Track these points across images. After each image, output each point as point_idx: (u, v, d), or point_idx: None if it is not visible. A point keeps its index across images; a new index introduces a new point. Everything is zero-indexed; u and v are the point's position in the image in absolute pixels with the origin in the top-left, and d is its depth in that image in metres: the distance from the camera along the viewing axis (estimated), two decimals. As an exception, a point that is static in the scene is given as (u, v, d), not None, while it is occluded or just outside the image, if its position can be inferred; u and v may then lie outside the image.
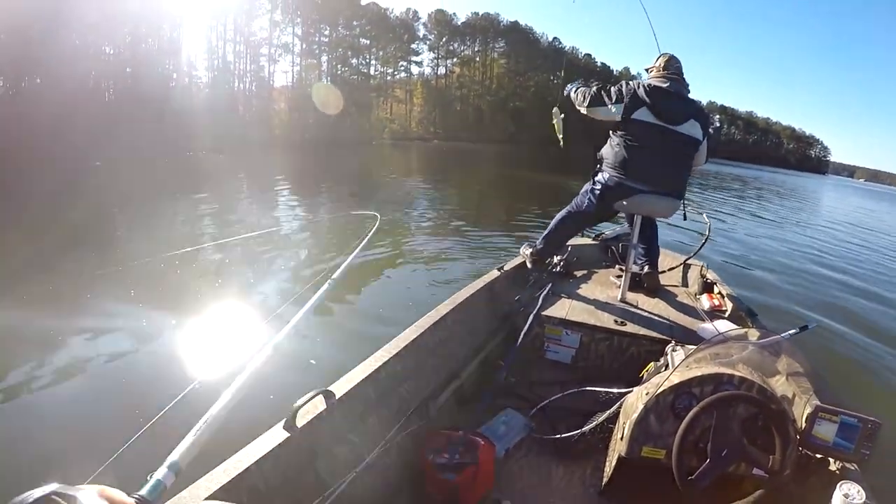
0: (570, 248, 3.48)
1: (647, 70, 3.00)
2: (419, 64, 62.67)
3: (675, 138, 2.75)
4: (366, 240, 1.83)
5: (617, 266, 3.55)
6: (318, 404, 1.47)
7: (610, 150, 2.86)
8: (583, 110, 2.92)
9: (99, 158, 18.42)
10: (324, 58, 47.69)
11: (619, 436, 1.64)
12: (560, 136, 3.30)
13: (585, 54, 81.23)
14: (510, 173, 23.21)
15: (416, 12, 61.27)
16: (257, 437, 1.35)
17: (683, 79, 2.89)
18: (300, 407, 1.39)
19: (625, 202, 2.83)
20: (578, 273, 3.41)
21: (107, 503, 0.31)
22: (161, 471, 0.50)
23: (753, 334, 2.37)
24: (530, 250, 3.21)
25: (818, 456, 1.54)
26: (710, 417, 1.44)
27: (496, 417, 2.03)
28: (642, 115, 2.70)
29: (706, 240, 3.55)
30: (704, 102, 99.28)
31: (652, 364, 2.11)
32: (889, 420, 1.72)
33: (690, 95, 2.91)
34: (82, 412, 2.68)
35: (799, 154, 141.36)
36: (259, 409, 2.42)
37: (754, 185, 31.30)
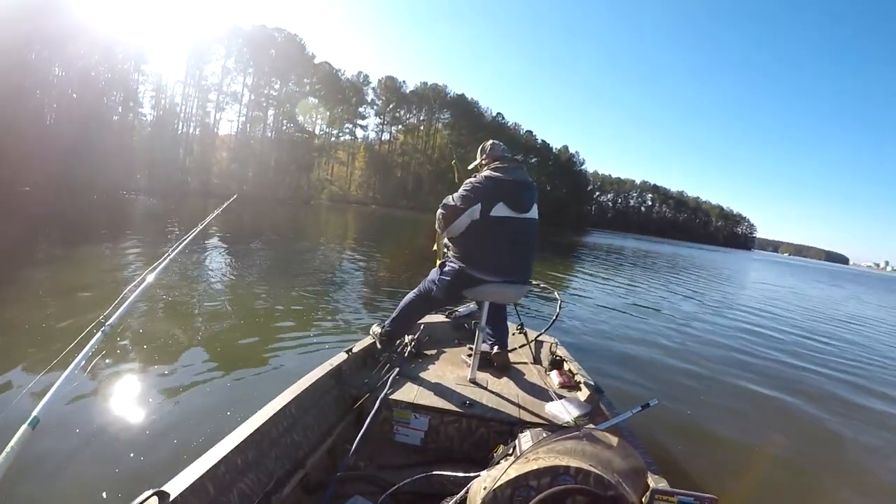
0: (422, 327, 3.57)
1: (479, 165, 3.04)
2: (364, 128, 65.26)
3: (525, 226, 2.86)
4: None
5: (467, 345, 3.58)
6: None
7: (459, 241, 2.89)
8: (445, 237, 2.95)
9: (29, 183, 17.93)
10: (270, 111, 48.86)
11: None
12: (439, 256, 3.22)
13: (527, 131, 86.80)
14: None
15: (366, 76, 64.51)
16: None
17: (520, 161, 3.01)
18: None
19: (472, 290, 2.89)
20: (430, 352, 3.45)
21: None
22: None
23: (597, 412, 2.62)
24: (380, 330, 3.20)
25: None
26: None
27: None
28: (500, 210, 2.75)
29: (556, 317, 3.71)
30: (637, 182, 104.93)
31: (500, 447, 2.17)
32: (726, 491, 1.99)
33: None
34: None
35: (727, 231, 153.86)
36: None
37: (662, 260, 32.21)
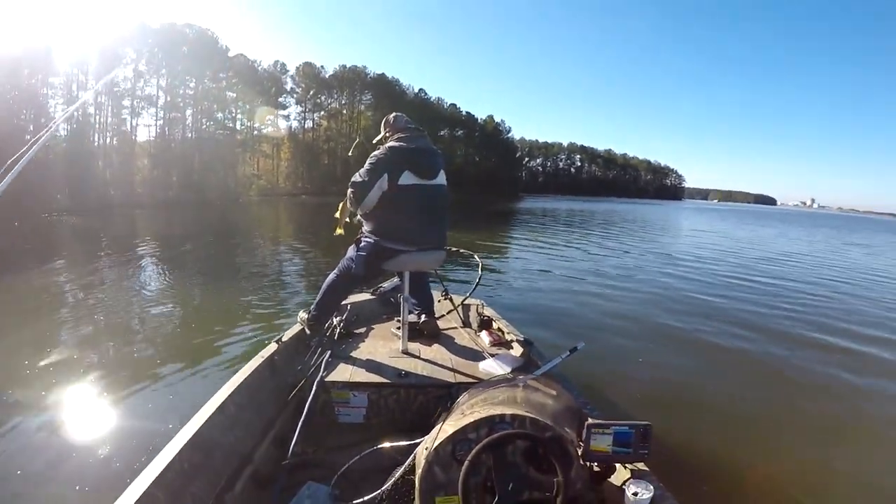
0: (349, 307, 3.61)
1: (384, 137, 3.07)
2: (286, 118, 65.18)
3: (434, 192, 2.92)
4: None
5: (396, 319, 3.56)
6: None
7: (372, 215, 2.93)
8: (360, 212, 2.98)
9: (-61, 219, 17.50)
10: (188, 111, 48.29)
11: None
12: (339, 225, 3.24)
13: (451, 104, 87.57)
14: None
15: (283, 65, 64.00)
16: None
17: (421, 129, 3.05)
18: None
19: (391, 262, 2.92)
20: (359, 330, 3.47)
21: None
22: None
23: (530, 363, 2.76)
24: (307, 315, 3.21)
25: (605, 464, 1.75)
26: (490, 458, 1.58)
27: (299, 494, 1.99)
28: (407, 178, 2.81)
29: (479, 279, 3.75)
30: (565, 144, 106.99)
31: (442, 411, 2.19)
32: (660, 419, 2.13)
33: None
34: None
35: (656, 184, 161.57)
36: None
37: (595, 218, 33.50)
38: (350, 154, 3.50)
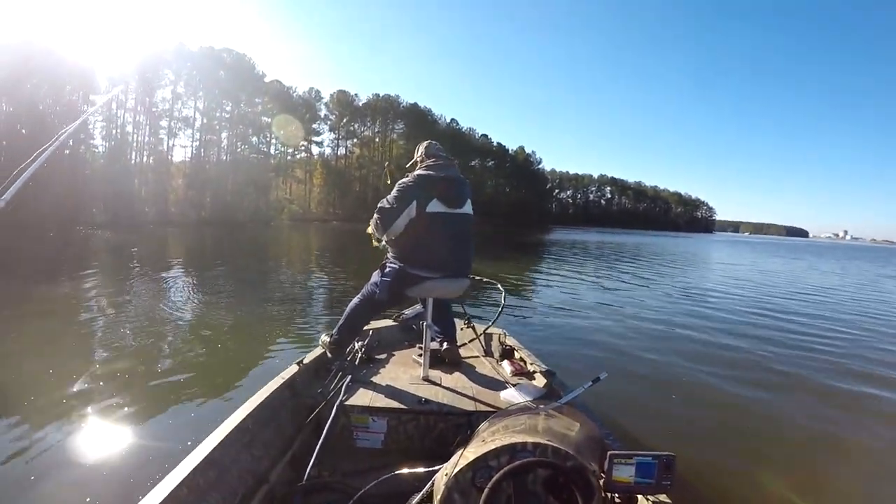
0: (370, 333, 3.66)
1: (415, 163, 3.12)
2: (319, 144, 66.16)
3: (460, 220, 2.97)
4: None
5: (417, 346, 3.57)
6: None
7: (398, 241, 2.98)
8: (385, 238, 3.02)
9: (-21, 226, 17.95)
10: (224, 134, 49.06)
11: None
12: (373, 238, 3.19)
13: (482, 135, 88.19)
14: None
15: (318, 92, 65.44)
16: None
17: (452, 159, 3.12)
18: None
19: (415, 288, 2.96)
20: (381, 356, 3.50)
21: None
22: None
23: (552, 394, 2.72)
24: (329, 339, 3.25)
25: (627, 495, 1.73)
26: (511, 486, 1.57)
27: None
28: (434, 206, 2.85)
29: (502, 309, 3.88)
30: (595, 176, 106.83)
31: (461, 439, 2.19)
32: (683, 451, 2.08)
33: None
34: None
35: (687, 216, 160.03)
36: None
37: (624, 250, 33.21)
38: (388, 183, 3.38)
